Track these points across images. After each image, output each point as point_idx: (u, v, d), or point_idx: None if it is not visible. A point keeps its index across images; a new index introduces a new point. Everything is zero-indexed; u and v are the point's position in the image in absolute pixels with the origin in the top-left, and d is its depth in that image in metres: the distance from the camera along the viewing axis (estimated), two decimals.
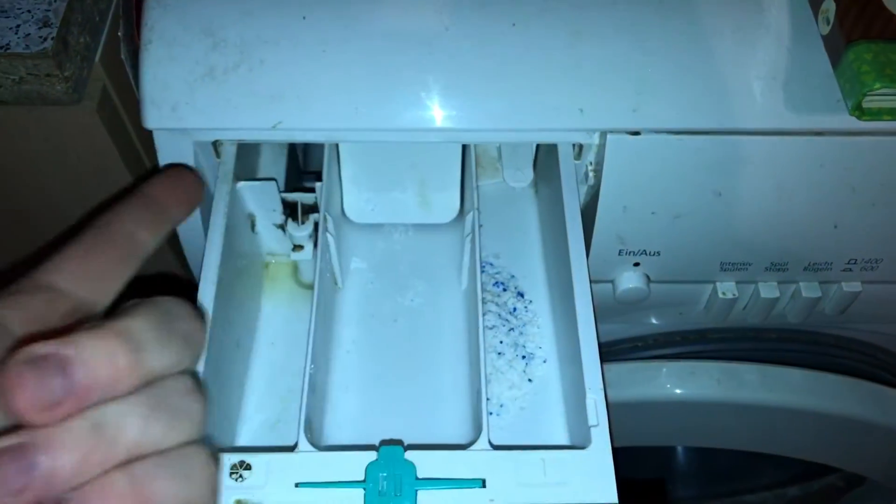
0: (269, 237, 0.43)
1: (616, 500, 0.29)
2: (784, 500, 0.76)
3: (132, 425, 0.22)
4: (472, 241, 0.38)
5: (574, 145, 0.40)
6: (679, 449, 0.80)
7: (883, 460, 0.52)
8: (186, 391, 0.24)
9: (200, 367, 0.33)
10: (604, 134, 0.38)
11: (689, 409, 0.49)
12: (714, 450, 0.79)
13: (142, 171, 0.44)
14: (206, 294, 0.35)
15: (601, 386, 0.33)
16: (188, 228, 0.43)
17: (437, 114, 0.37)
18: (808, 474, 0.75)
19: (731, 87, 0.37)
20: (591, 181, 0.41)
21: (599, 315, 0.43)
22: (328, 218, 0.39)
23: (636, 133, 0.38)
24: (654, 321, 0.50)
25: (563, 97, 0.37)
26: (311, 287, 0.43)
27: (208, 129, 0.38)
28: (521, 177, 0.44)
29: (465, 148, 0.42)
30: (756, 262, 0.43)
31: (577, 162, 0.40)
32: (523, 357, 0.39)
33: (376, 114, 0.37)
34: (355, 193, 0.43)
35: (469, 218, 0.39)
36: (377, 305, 0.42)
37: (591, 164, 0.41)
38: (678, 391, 0.49)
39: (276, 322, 0.42)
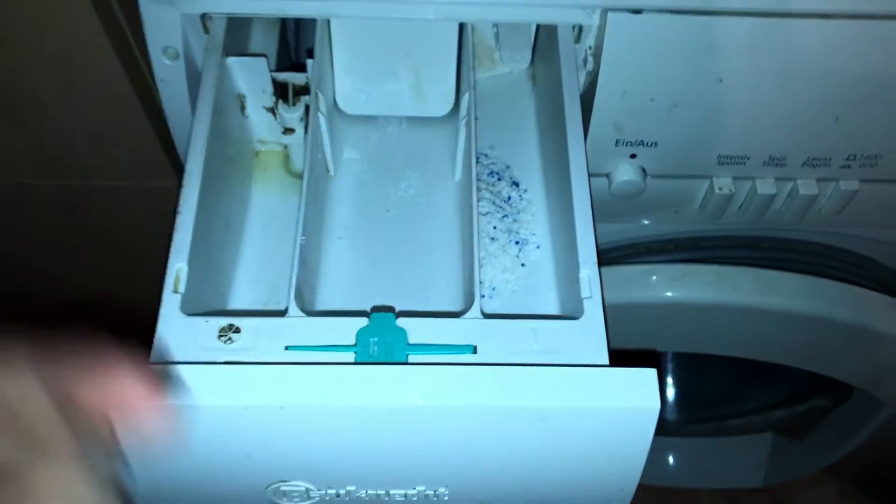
0: (260, 122, 0.42)
1: (608, 362, 0.29)
2: (770, 421, 0.77)
3: None
4: (468, 123, 0.38)
5: (574, 27, 0.39)
6: (667, 375, 0.81)
7: (871, 366, 0.52)
8: None
9: (188, 239, 0.32)
10: (605, 12, 0.37)
11: (680, 312, 0.49)
12: (700, 375, 0.80)
13: (124, 50, 0.42)
14: (194, 165, 0.34)
15: (595, 261, 0.32)
16: (175, 109, 0.42)
17: None
18: (794, 397, 0.76)
19: None
20: (590, 66, 0.40)
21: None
22: (319, 96, 0.38)
23: (638, 11, 0.37)
24: (648, 222, 0.50)
25: None
26: (301, 175, 0.43)
27: None
28: (519, 58, 0.43)
29: (460, 37, 0.41)
30: (754, 156, 0.42)
31: (576, 46, 0.39)
32: (517, 242, 0.38)
33: None
34: (348, 83, 0.42)
35: (465, 99, 0.38)
36: (370, 195, 0.42)
37: (590, 48, 0.39)
38: (669, 293, 0.48)
39: (267, 209, 0.41)
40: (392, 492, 0.30)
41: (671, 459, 0.81)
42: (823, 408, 0.71)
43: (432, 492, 0.30)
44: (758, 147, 0.42)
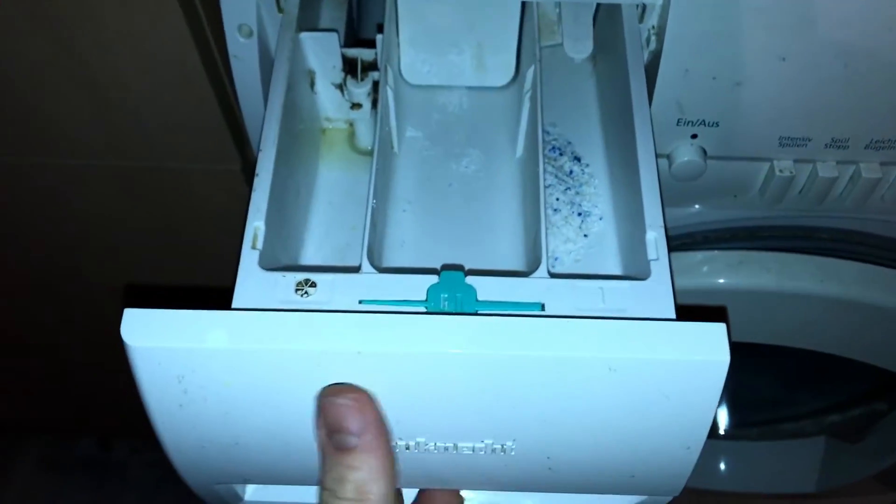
0: (327, 99, 0.43)
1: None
2: (823, 426, 0.76)
3: None
4: (533, 98, 0.38)
5: (637, 6, 0.39)
6: None
7: None
8: None
9: (265, 199, 0.34)
10: None
11: (737, 299, 0.49)
12: (753, 378, 0.79)
13: (198, 31, 0.44)
14: (270, 131, 0.35)
15: (661, 225, 0.33)
16: (246, 87, 0.44)
17: None
18: (849, 401, 0.75)
19: None
20: (653, 45, 0.40)
21: None
22: (388, 70, 0.39)
23: None
24: (706, 207, 0.50)
25: None
26: (366, 153, 0.44)
27: None
28: (582, 48, 0.44)
29: (524, 10, 0.42)
30: (816, 138, 0.42)
31: (639, 26, 0.40)
32: (579, 214, 0.39)
33: None
34: (412, 54, 0.43)
35: (530, 72, 0.39)
36: (432, 171, 0.43)
37: (653, 27, 0.40)
38: (726, 280, 0.48)
39: (332, 183, 0.43)
40: (460, 444, 0.30)
41: (722, 464, 0.80)
42: (880, 411, 0.70)
43: (500, 445, 0.30)
44: (820, 128, 0.42)
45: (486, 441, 0.30)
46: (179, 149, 0.53)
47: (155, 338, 0.27)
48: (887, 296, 0.47)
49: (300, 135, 0.41)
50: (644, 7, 0.39)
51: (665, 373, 0.28)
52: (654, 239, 0.32)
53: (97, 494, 1.03)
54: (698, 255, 0.50)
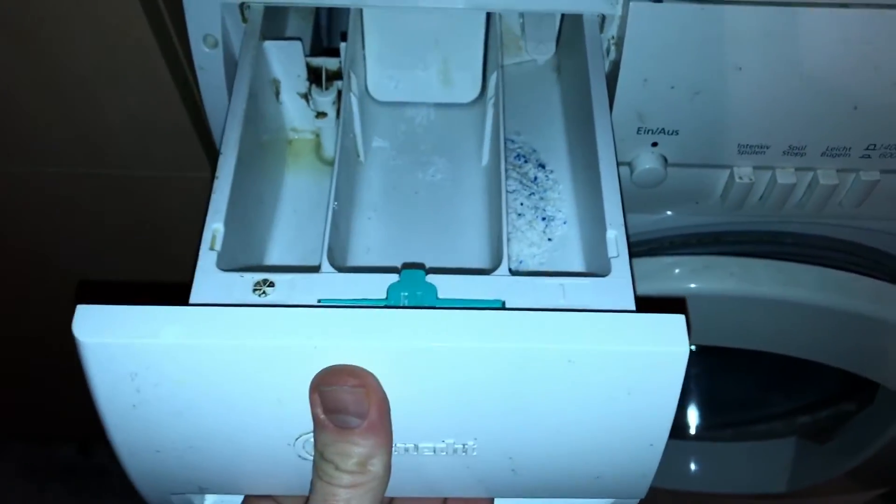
0: (293, 109, 0.43)
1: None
2: (793, 427, 0.76)
3: None
4: (496, 103, 0.39)
5: (598, 16, 0.40)
6: (690, 380, 0.80)
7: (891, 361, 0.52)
8: None
9: (224, 201, 0.33)
10: (627, 2, 0.38)
11: (702, 304, 0.49)
12: (724, 380, 0.80)
13: (165, 41, 0.44)
14: (232, 134, 0.35)
15: (622, 224, 0.33)
16: (213, 98, 0.44)
17: None
18: (819, 403, 0.75)
19: None
20: (613, 55, 0.41)
21: None
22: (352, 76, 0.39)
23: (659, 0, 0.38)
24: (669, 213, 0.50)
25: None
26: (332, 163, 0.44)
27: None
28: (544, 49, 0.44)
29: (488, 25, 0.43)
30: (774, 145, 0.43)
31: (600, 36, 0.41)
32: (543, 219, 0.39)
33: None
34: (379, 70, 0.44)
35: (493, 79, 0.39)
36: (399, 179, 0.43)
37: (612, 38, 0.41)
38: (691, 284, 0.49)
39: (298, 193, 0.43)
40: (421, 445, 0.30)
41: (693, 465, 0.80)
42: (848, 412, 0.70)
43: (461, 445, 0.30)
44: (777, 136, 0.43)
45: (447, 441, 0.30)
46: (149, 156, 0.53)
47: (107, 334, 0.27)
48: (848, 299, 0.47)
49: (266, 144, 0.41)
50: (604, 17, 0.40)
51: (624, 364, 0.28)
52: (615, 237, 0.32)
53: (77, 500, 1.02)
54: (663, 260, 0.50)
